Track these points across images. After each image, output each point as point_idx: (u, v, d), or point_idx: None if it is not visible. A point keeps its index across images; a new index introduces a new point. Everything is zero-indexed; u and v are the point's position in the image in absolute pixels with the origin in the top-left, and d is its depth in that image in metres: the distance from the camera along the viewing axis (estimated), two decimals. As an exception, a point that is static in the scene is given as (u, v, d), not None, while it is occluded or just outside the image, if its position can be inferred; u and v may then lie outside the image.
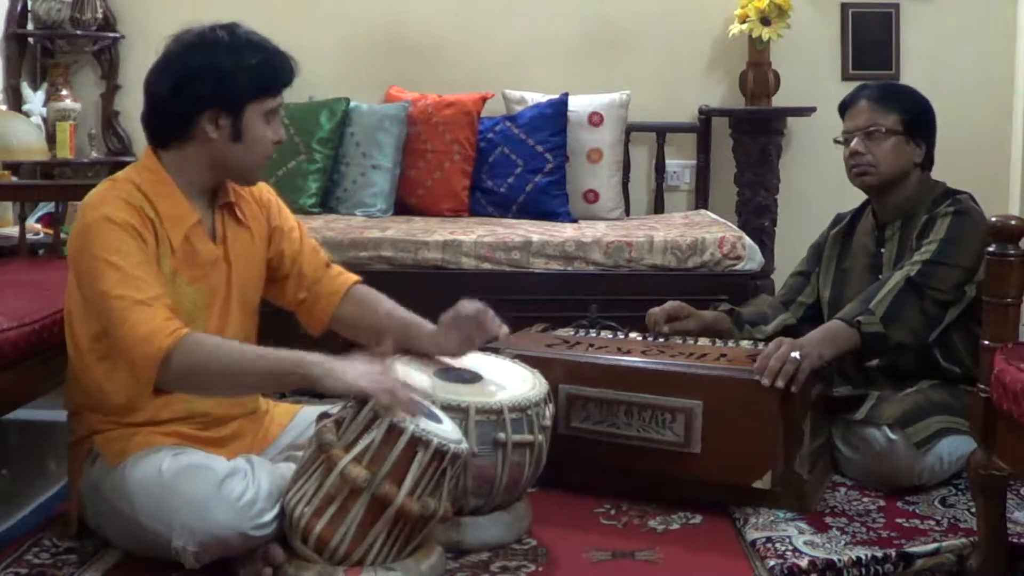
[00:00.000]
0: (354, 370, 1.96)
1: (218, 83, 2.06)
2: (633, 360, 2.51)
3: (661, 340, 2.71)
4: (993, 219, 2.06)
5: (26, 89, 4.21)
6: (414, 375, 2.19)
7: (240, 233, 2.24)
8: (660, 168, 4.41)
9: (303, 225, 2.39)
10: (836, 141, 2.79)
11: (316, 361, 1.96)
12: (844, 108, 2.78)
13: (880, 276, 2.67)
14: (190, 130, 2.09)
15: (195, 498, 1.92)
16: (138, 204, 2.05)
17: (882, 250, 2.73)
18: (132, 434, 2.08)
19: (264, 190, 2.34)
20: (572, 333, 2.80)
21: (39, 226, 3.69)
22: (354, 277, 2.38)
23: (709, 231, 3.57)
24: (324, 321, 2.34)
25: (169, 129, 2.12)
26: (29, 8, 4.27)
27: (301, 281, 2.33)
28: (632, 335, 2.77)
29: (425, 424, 1.94)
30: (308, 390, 2.03)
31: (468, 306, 2.26)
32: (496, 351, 2.48)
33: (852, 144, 2.71)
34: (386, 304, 2.35)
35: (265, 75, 2.10)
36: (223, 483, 1.94)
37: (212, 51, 2.08)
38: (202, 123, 2.08)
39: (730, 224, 3.89)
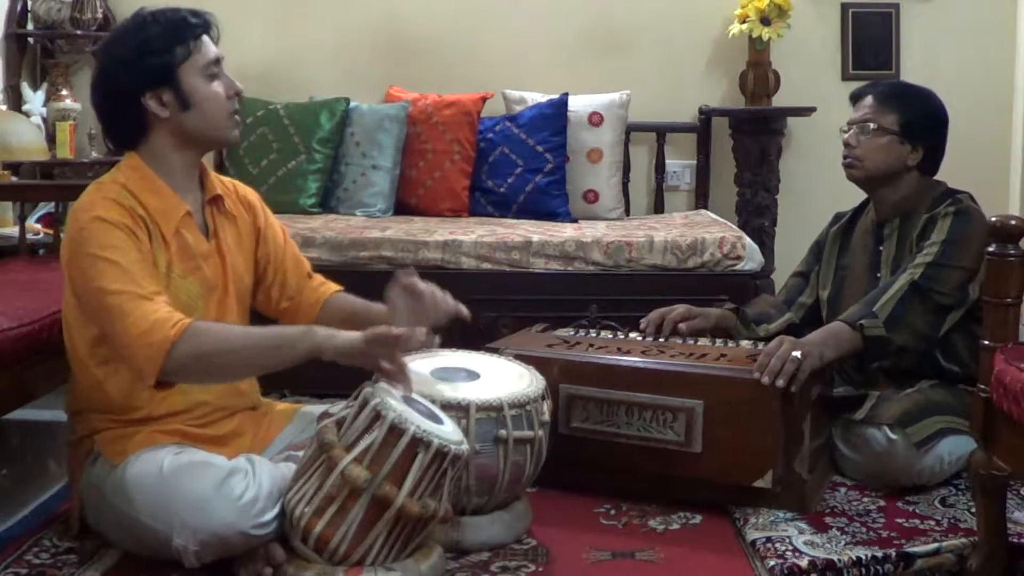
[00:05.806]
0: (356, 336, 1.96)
1: (138, 65, 2.07)
2: (634, 360, 2.51)
3: (661, 340, 2.71)
4: (993, 219, 2.06)
5: (26, 89, 4.21)
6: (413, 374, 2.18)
7: (230, 227, 2.25)
8: (660, 168, 4.41)
9: (287, 232, 2.39)
10: (841, 130, 2.79)
11: (320, 330, 1.98)
12: (853, 100, 2.81)
13: (878, 274, 2.68)
14: (143, 120, 2.10)
15: (196, 497, 1.92)
16: (128, 204, 2.06)
17: (880, 248, 2.73)
18: (133, 433, 2.08)
19: (248, 192, 2.35)
20: (572, 333, 2.80)
21: (39, 226, 3.68)
22: (334, 287, 2.38)
23: (709, 231, 3.57)
24: None
25: (126, 130, 2.14)
26: (29, 8, 4.27)
27: (284, 290, 2.34)
28: (632, 335, 2.77)
29: (426, 425, 1.94)
30: (308, 390, 2.03)
31: (417, 284, 2.19)
32: (496, 351, 2.48)
33: (847, 135, 2.74)
34: (355, 304, 2.34)
35: (175, 32, 2.08)
36: (224, 482, 1.94)
37: (118, 42, 2.10)
38: (148, 108, 2.09)
39: (730, 224, 3.88)
